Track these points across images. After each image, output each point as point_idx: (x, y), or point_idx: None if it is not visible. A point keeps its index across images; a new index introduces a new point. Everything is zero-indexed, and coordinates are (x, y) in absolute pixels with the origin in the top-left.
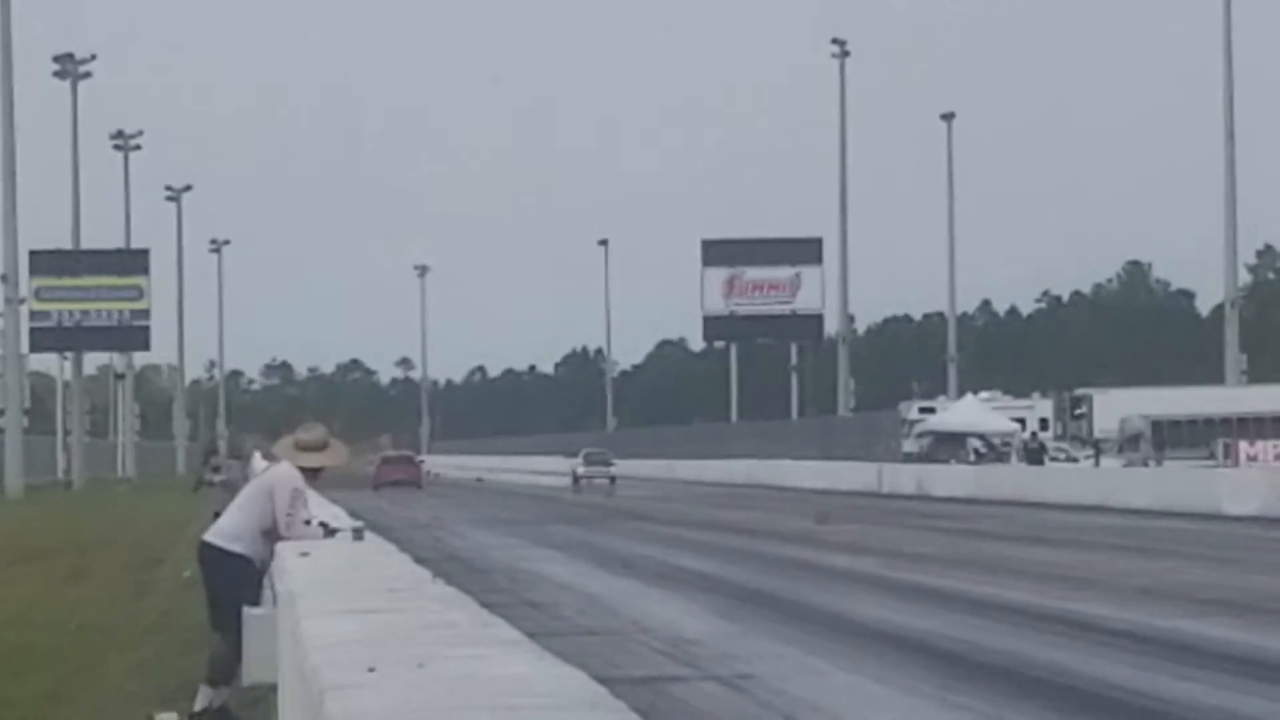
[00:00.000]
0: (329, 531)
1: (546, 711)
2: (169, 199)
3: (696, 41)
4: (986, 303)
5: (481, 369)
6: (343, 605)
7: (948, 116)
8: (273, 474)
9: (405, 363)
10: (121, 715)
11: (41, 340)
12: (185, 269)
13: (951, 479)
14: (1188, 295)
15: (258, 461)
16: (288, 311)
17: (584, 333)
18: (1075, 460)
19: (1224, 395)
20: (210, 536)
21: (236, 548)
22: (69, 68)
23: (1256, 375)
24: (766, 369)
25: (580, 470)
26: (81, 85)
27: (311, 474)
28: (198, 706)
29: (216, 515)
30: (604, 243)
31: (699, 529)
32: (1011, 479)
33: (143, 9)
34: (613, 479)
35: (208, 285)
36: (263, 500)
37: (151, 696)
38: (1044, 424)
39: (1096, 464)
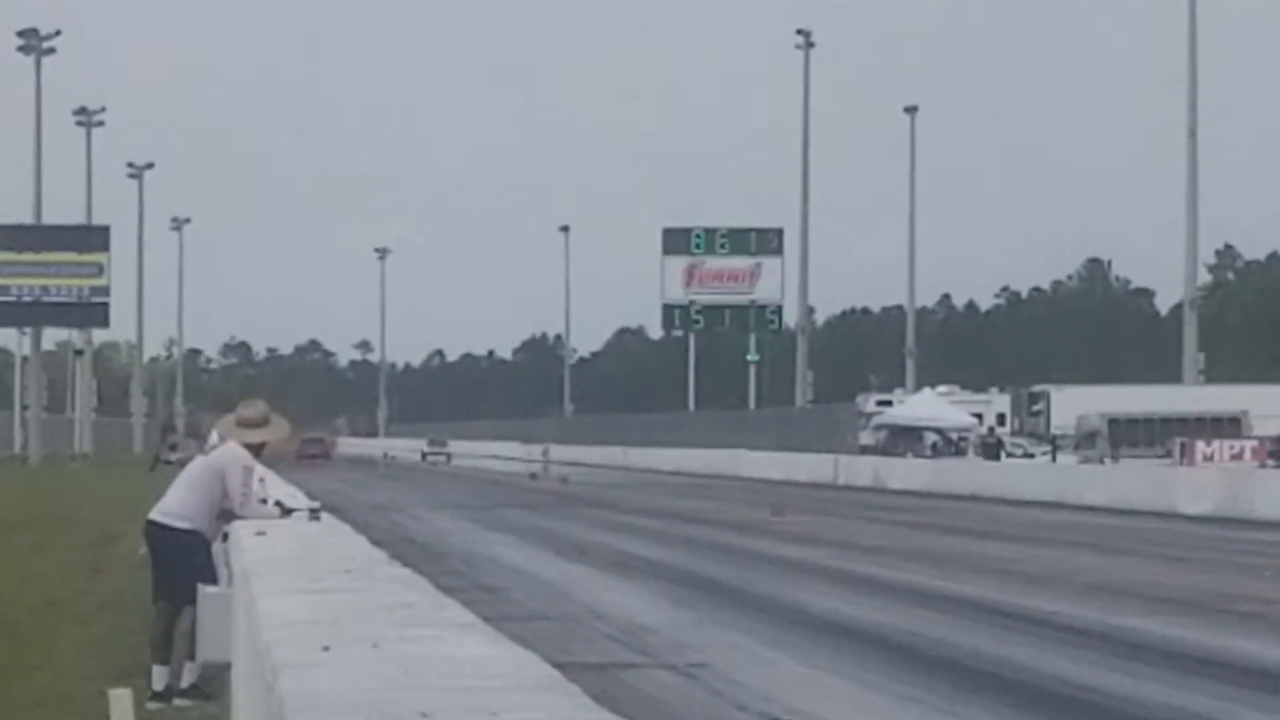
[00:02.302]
0: (285, 511)
1: (500, 693)
2: (131, 176)
3: (661, 30)
4: (946, 297)
5: (440, 353)
6: (298, 585)
7: (911, 110)
8: (221, 454)
9: (364, 345)
10: (75, 691)
11: (0, 315)
12: (146, 247)
13: (907, 472)
14: (1147, 293)
15: (215, 440)
16: (247, 291)
17: (543, 319)
18: (1032, 456)
19: (1181, 394)
20: (156, 515)
21: (184, 524)
22: (33, 43)
23: (1214, 375)
24: (725, 359)
25: (425, 449)
26: (45, 61)
27: (255, 450)
28: (158, 686)
29: None
30: (565, 229)
31: (655, 517)
32: (968, 473)
33: None
34: (448, 456)
35: (168, 263)
36: (212, 480)
37: (105, 672)
38: (1001, 419)
39: (1053, 460)
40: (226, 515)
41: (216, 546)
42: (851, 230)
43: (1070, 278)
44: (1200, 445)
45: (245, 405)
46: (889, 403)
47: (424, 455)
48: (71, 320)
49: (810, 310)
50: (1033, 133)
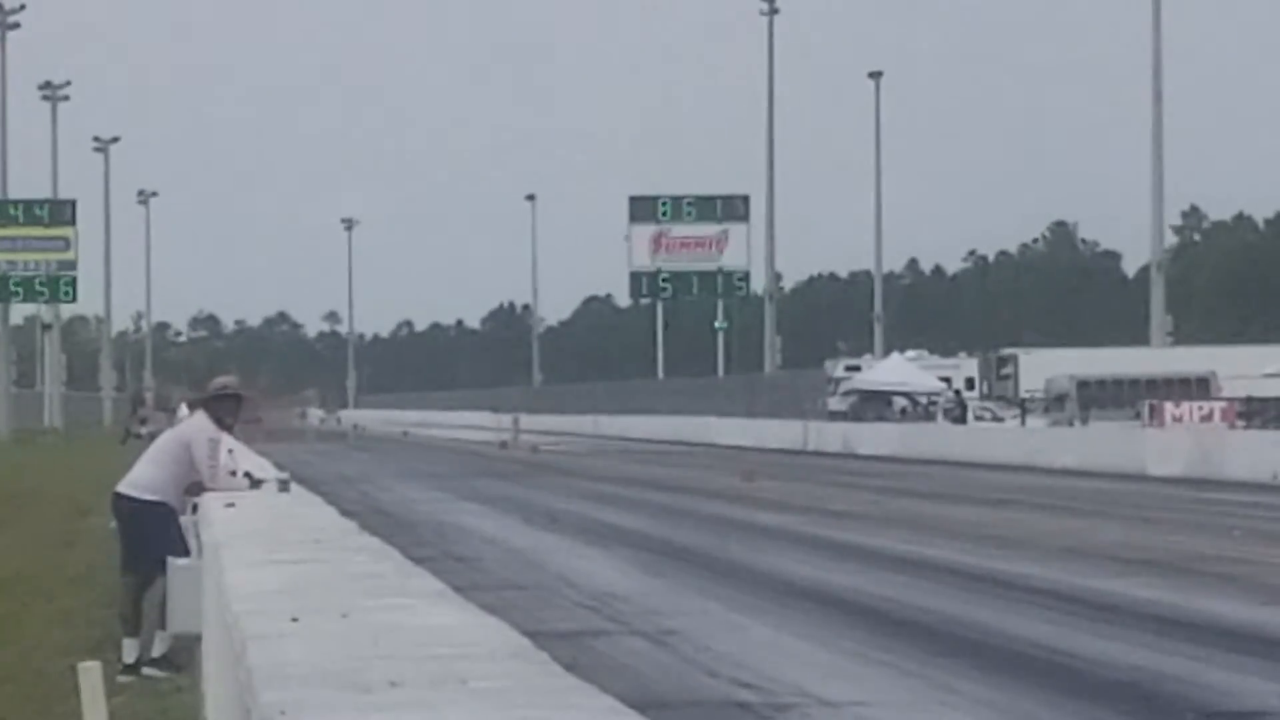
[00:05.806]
0: (254, 483)
1: (470, 662)
2: (97, 150)
3: None
4: (913, 262)
5: (408, 323)
6: (267, 556)
7: (876, 75)
8: (187, 426)
9: (332, 316)
10: (45, 665)
11: None
12: (113, 221)
13: (877, 437)
14: (1114, 256)
15: (183, 414)
16: (215, 264)
17: (511, 288)
18: (1001, 420)
19: (1149, 356)
20: (124, 487)
21: (151, 496)
22: None
23: (1182, 337)
24: (693, 326)
25: (323, 415)
26: (10, 35)
27: (230, 410)
28: (128, 659)
29: None
30: (531, 198)
31: (625, 485)
32: (937, 438)
33: None
34: (339, 420)
35: (135, 237)
36: (178, 453)
37: (76, 646)
38: (970, 383)
39: (1022, 423)
40: (196, 488)
41: (185, 519)
42: (818, 196)
43: (1037, 241)
44: (1169, 407)
45: (213, 383)
46: (858, 368)
47: (322, 420)
48: (39, 295)
49: (778, 276)
50: (998, 96)
